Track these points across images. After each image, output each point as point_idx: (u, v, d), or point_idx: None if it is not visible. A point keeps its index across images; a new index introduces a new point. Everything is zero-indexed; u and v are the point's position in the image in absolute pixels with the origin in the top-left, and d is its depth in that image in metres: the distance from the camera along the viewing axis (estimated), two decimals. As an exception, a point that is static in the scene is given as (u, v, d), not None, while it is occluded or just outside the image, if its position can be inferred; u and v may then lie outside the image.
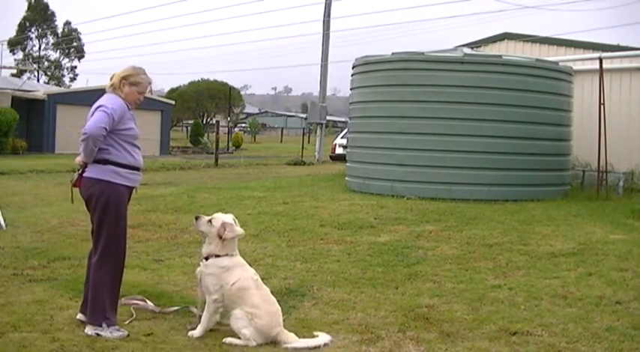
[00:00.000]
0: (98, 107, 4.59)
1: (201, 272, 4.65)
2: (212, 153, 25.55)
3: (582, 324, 4.86)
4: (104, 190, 4.56)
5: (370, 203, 10.98)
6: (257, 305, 4.49)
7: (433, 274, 6.41)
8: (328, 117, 32.83)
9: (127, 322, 4.75)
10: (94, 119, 4.52)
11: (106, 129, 4.50)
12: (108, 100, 4.64)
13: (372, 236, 8.34)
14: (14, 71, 55.38)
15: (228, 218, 4.72)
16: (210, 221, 4.67)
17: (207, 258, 4.63)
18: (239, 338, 4.41)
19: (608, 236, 8.37)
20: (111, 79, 4.74)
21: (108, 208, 4.57)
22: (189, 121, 54.59)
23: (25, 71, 61.12)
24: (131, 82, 4.71)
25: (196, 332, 4.53)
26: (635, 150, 14.12)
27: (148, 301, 5.11)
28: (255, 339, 4.39)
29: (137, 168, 4.77)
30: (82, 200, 4.74)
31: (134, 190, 4.85)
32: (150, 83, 4.83)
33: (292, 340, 4.40)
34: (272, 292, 5.51)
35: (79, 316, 4.74)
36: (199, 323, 4.59)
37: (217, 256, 4.60)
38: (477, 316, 5.06)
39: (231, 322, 4.49)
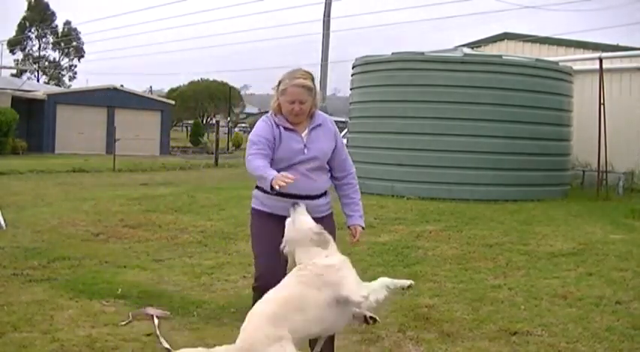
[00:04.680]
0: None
1: None
2: (212, 153, 25.57)
3: (582, 324, 4.85)
4: None
5: (370, 203, 10.96)
6: None
7: (433, 274, 6.41)
8: (328, 117, 32.73)
9: (124, 323, 4.74)
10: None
11: None
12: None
13: (372, 236, 8.33)
14: (14, 71, 55.41)
15: None
16: None
17: None
18: None
19: (608, 236, 8.37)
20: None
21: None
22: (189, 121, 54.62)
23: (25, 71, 61.12)
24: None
25: None
26: (635, 150, 14.11)
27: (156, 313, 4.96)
28: None
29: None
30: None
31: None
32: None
33: None
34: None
35: None
36: None
37: None
38: (477, 316, 5.06)
39: None
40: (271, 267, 3.75)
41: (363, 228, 4.12)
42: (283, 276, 3.49)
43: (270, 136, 3.80)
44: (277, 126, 3.85)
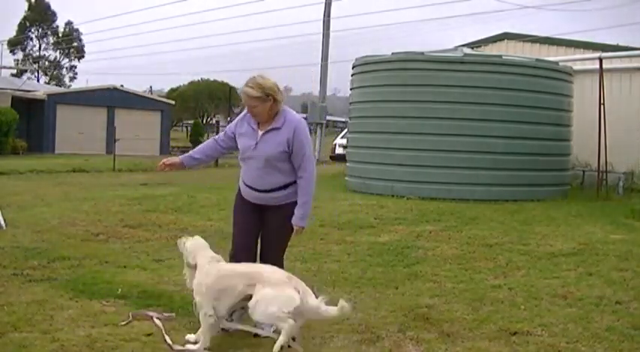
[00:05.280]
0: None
1: None
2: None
3: (582, 324, 4.85)
4: None
5: (370, 203, 10.97)
6: None
7: (433, 274, 6.41)
8: (328, 117, 32.78)
9: (124, 323, 4.74)
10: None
11: None
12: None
13: (372, 236, 8.33)
14: (14, 71, 55.41)
15: None
16: None
17: None
18: None
19: (608, 236, 8.37)
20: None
21: None
22: (189, 121, 54.64)
23: (26, 71, 61.12)
24: None
25: None
26: (635, 150, 14.11)
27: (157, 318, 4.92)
28: None
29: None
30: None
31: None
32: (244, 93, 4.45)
33: None
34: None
35: None
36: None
37: None
38: (477, 316, 5.06)
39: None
40: (244, 244, 4.70)
41: (302, 227, 4.58)
42: (255, 251, 4.63)
43: (233, 129, 4.61)
44: (246, 123, 4.51)
